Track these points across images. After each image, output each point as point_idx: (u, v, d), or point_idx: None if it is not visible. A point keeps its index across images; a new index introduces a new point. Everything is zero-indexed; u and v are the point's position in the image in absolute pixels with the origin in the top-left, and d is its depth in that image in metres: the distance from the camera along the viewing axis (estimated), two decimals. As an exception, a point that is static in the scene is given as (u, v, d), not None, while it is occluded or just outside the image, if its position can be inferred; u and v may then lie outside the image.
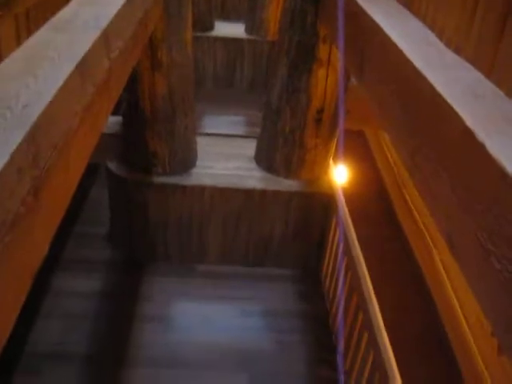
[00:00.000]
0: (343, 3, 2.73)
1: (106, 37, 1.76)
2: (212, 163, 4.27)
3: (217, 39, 6.49)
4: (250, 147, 4.50)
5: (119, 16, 1.95)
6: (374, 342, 2.86)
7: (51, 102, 1.25)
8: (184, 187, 4.00)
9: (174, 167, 4.07)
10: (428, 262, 4.57)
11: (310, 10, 3.55)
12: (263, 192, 4.02)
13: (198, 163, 4.24)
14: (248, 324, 3.86)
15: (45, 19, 3.64)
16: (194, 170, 4.16)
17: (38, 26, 3.86)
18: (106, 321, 3.79)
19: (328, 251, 4.12)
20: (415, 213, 5.01)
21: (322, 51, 3.63)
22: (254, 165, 4.31)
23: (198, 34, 6.26)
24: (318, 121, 3.90)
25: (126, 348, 3.58)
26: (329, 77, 3.71)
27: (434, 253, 4.47)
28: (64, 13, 1.96)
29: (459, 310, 3.93)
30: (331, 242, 4.04)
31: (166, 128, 3.91)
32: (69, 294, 3.96)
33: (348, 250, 3.50)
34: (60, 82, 1.33)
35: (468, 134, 1.22)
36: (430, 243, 4.57)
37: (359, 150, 6.70)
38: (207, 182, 4.03)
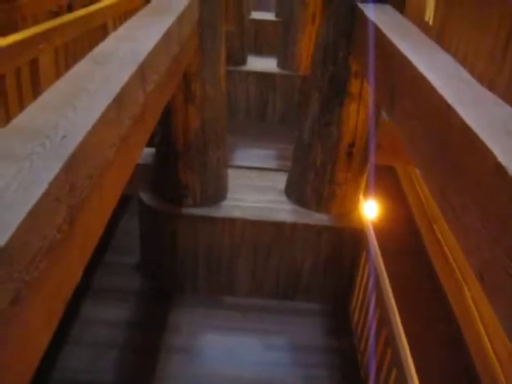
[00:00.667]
0: (374, 39, 2.77)
1: (142, 71, 1.81)
2: (243, 196, 4.30)
3: (249, 73, 6.59)
4: (280, 180, 4.52)
5: (155, 51, 2.00)
6: (402, 379, 2.81)
7: (89, 133, 1.28)
8: (214, 219, 4.02)
9: (204, 199, 4.11)
10: (458, 298, 4.48)
11: (342, 45, 3.59)
12: (294, 225, 4.02)
13: (228, 195, 4.27)
14: (274, 358, 3.82)
15: (83, 53, 3.76)
16: (225, 203, 4.19)
17: (75, 59, 3.99)
18: (134, 350, 3.80)
19: (357, 286, 4.08)
20: (445, 248, 4.94)
21: (354, 86, 3.65)
22: (284, 198, 4.32)
23: (231, 68, 6.36)
24: (349, 155, 3.91)
25: (152, 378, 3.57)
26: (360, 111, 3.73)
27: (464, 288, 4.39)
28: (103, 47, 2.03)
29: (490, 347, 3.83)
30: (361, 277, 4.00)
31: (198, 160, 3.96)
32: (97, 322, 3.99)
33: (378, 286, 3.46)
34: (97, 114, 1.37)
35: (499, 168, 1.22)
36: (461, 278, 4.49)
37: (390, 185, 6.66)
38: (237, 214, 4.04)
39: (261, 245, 4.11)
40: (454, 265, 4.70)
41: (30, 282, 0.99)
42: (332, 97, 3.76)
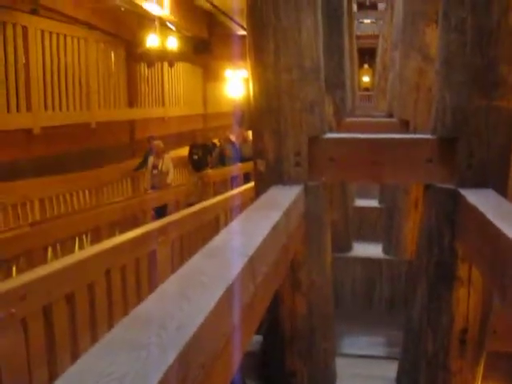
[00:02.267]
0: (479, 223, 2.78)
1: (252, 264, 1.93)
2: (351, 385, 4.13)
3: (355, 260, 6.64)
4: (391, 369, 4.32)
5: (264, 244, 2.14)
6: None
7: (202, 325, 1.37)
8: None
9: (312, 389, 3.98)
10: None
11: (445, 230, 3.61)
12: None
13: (337, 384, 4.12)
14: None
15: (196, 244, 4.07)
16: (333, 393, 4.03)
17: (190, 250, 4.30)
18: None
19: None
20: None
21: (462, 270, 3.59)
22: (396, 388, 4.09)
23: (337, 255, 6.45)
24: (462, 342, 3.72)
25: None
26: (471, 296, 3.62)
27: None
28: (216, 241, 2.19)
29: None
30: None
31: (305, 348, 3.92)
32: None
33: None
34: (211, 306, 1.46)
35: None
36: None
37: (508, 373, 6.12)
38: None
39: None
40: None
41: None
42: (439, 282, 3.69)
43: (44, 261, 5.93)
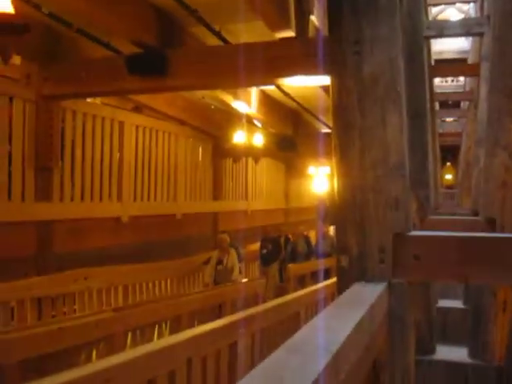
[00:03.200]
0: None
1: (335, 361, 1.89)
2: None
3: (439, 363, 6.32)
4: None
5: (348, 341, 2.10)
6: None
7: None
8: None
9: None
10: None
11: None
12: None
13: None
14: None
15: (275, 339, 4.01)
16: None
17: (269, 344, 4.26)
18: None
19: None
20: None
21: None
22: None
23: (420, 358, 6.17)
24: None
25: None
26: None
27: None
28: (298, 336, 2.17)
29: None
30: None
31: None
32: None
33: None
34: (295, 403, 1.44)
35: None
36: None
37: None
38: None
39: None
40: None
41: None
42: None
43: (124, 346, 6.02)
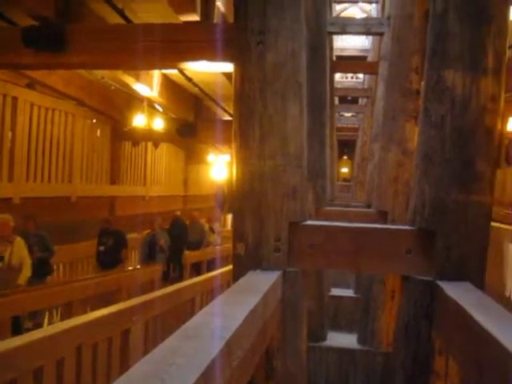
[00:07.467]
0: (456, 315, 2.77)
1: (229, 347, 1.89)
2: None
3: (329, 349, 6.54)
4: None
5: (242, 327, 2.11)
6: None
7: (177, 408, 1.32)
8: None
9: None
10: None
11: (422, 322, 3.59)
12: None
13: None
14: None
15: (170, 326, 3.98)
16: None
17: (163, 331, 4.21)
18: None
19: None
20: None
21: (438, 364, 3.55)
22: None
23: (312, 344, 6.35)
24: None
25: None
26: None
27: None
28: (192, 322, 2.15)
29: None
30: None
31: None
32: None
33: None
34: (186, 389, 1.42)
35: None
36: None
37: None
38: None
39: None
40: None
41: None
42: (416, 376, 3.64)
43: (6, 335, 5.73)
